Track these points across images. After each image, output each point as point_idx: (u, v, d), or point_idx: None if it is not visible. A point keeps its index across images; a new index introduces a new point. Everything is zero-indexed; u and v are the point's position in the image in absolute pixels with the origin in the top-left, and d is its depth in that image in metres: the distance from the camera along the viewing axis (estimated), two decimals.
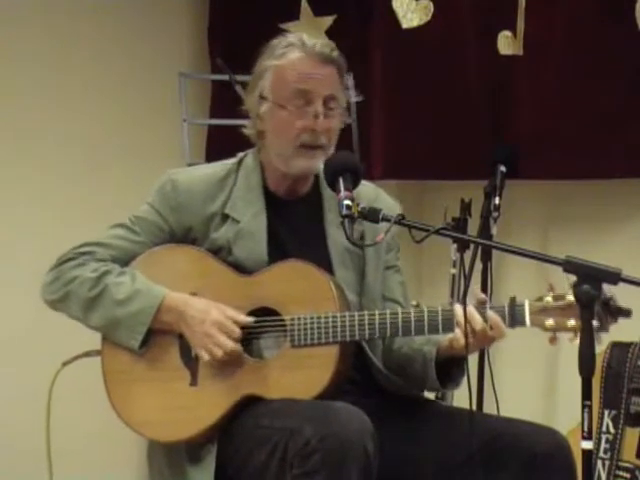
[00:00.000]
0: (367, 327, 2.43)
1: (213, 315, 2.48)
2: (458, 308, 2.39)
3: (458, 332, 2.39)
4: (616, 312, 2.28)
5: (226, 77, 3.82)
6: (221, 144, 4.19)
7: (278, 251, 2.57)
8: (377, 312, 2.46)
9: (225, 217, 2.59)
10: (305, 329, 2.45)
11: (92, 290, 2.54)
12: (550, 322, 2.33)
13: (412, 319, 2.42)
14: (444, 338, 2.46)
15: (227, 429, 2.48)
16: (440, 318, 2.41)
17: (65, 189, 4.06)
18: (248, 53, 4.07)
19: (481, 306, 2.40)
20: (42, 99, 4.03)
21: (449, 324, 2.40)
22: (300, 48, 2.57)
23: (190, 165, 2.72)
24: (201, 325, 2.48)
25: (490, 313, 2.38)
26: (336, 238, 2.57)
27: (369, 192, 2.66)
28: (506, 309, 2.38)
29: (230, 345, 2.46)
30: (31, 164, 4.00)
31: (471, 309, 2.38)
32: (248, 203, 2.60)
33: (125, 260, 2.59)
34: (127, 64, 4.21)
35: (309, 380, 2.44)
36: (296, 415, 2.34)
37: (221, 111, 4.21)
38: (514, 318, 2.37)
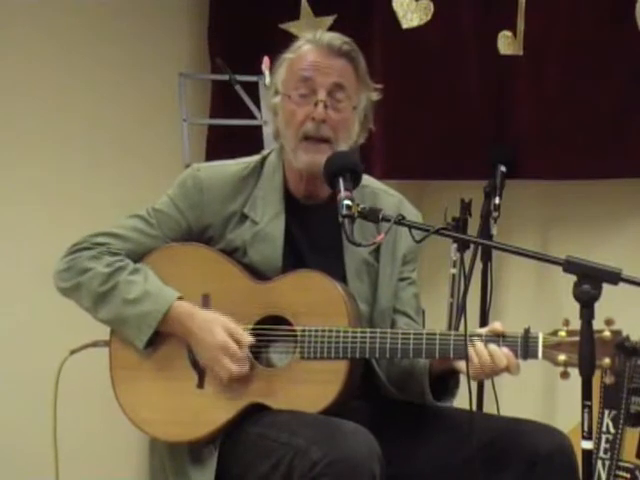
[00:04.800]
0: (378, 346, 2.41)
1: (218, 338, 2.45)
2: (476, 340, 2.36)
3: (474, 361, 2.35)
4: (632, 352, 2.27)
5: (226, 77, 3.83)
6: (221, 144, 4.20)
7: (293, 256, 2.55)
8: (389, 331, 2.43)
9: (244, 217, 2.57)
10: (315, 342, 2.43)
11: (103, 285, 2.52)
12: (562, 357, 2.29)
13: (424, 344, 2.39)
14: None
15: (231, 434, 2.46)
16: (452, 344, 2.38)
17: (65, 189, 4.07)
18: (248, 53, 4.10)
19: (496, 338, 2.37)
20: (42, 99, 4.03)
21: (460, 352, 2.36)
22: (311, 41, 2.57)
23: (188, 166, 2.69)
24: (207, 347, 2.46)
25: (504, 349, 2.35)
26: (354, 249, 2.52)
27: (393, 201, 2.65)
28: (519, 341, 2.35)
29: (234, 369, 2.44)
30: (31, 164, 4.00)
31: (493, 347, 2.35)
32: (268, 204, 2.57)
33: (139, 253, 2.57)
34: (127, 64, 4.22)
35: (317, 394, 2.42)
36: (303, 433, 2.32)
37: (221, 111, 4.22)
38: (527, 351, 2.34)
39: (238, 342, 2.45)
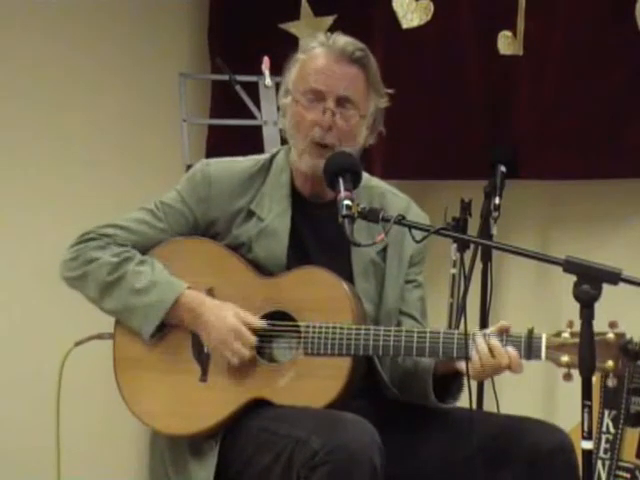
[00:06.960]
0: (382, 344, 2.41)
1: (229, 321, 2.46)
2: (479, 338, 2.37)
3: (476, 359, 2.36)
4: (636, 355, 2.27)
5: (226, 77, 3.83)
6: (221, 144, 4.20)
7: (299, 253, 2.55)
8: (393, 329, 2.43)
9: (250, 214, 2.57)
10: (319, 338, 2.44)
11: (111, 275, 2.52)
12: (565, 358, 2.29)
13: (427, 342, 2.39)
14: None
15: (232, 428, 2.47)
16: (455, 343, 2.38)
17: (65, 189, 4.07)
18: (248, 53, 4.10)
19: (499, 335, 2.37)
20: (42, 99, 4.04)
21: (464, 351, 2.36)
22: (324, 44, 2.55)
23: (189, 166, 2.70)
24: (217, 331, 2.47)
25: (507, 347, 2.35)
26: (361, 248, 2.51)
27: (401, 203, 2.65)
28: (523, 341, 2.35)
29: (245, 353, 2.45)
30: (31, 163, 4.01)
31: (495, 343, 2.36)
32: (274, 201, 2.58)
33: (145, 246, 2.58)
34: (127, 64, 4.22)
35: (319, 390, 2.42)
36: (304, 424, 2.33)
37: (221, 111, 4.22)
38: (530, 351, 2.34)
39: (251, 327, 2.46)
